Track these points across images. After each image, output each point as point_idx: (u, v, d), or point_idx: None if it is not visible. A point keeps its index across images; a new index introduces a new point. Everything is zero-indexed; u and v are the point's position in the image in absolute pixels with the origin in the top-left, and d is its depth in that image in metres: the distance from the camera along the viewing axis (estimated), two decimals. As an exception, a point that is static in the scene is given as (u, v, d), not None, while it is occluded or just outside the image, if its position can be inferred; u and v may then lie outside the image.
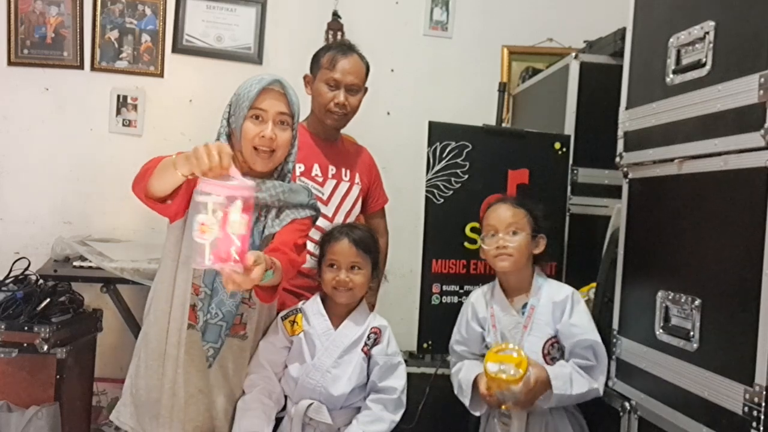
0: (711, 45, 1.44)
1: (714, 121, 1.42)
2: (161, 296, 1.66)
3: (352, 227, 1.82)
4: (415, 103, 2.98)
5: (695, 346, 1.44)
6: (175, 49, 2.94)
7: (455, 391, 1.83)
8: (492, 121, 2.78)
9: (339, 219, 2.10)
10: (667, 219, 1.59)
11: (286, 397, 1.76)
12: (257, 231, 1.63)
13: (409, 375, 1.81)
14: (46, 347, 2.26)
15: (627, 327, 1.72)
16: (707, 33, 1.45)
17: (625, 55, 1.79)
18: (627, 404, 1.67)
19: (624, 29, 1.88)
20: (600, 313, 1.85)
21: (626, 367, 1.70)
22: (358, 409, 1.74)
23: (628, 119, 1.75)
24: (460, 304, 1.98)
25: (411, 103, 3.00)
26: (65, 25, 2.88)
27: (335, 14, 2.96)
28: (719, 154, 1.40)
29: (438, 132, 2.10)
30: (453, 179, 2.10)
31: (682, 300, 1.49)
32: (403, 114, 3.01)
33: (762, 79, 1.28)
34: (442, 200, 2.09)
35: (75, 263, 2.48)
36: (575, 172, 2.29)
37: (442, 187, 2.10)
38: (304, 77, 2.17)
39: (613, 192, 2.03)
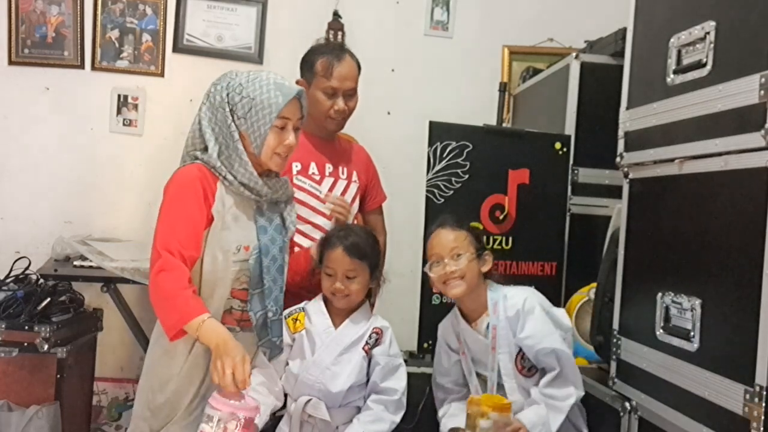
0: (711, 45, 1.44)
1: (714, 122, 1.42)
2: None
3: (349, 233, 1.79)
4: (416, 103, 2.96)
5: (695, 346, 1.44)
6: (176, 48, 2.94)
7: None
8: (492, 121, 2.78)
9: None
10: (668, 219, 1.59)
11: (286, 396, 1.76)
12: (277, 226, 1.70)
13: (409, 375, 1.81)
14: (46, 347, 2.26)
15: (627, 327, 1.72)
16: (708, 33, 1.45)
17: (626, 55, 1.79)
18: (627, 404, 1.66)
19: (624, 29, 1.88)
20: (600, 313, 1.85)
21: (626, 368, 1.70)
22: (357, 409, 1.75)
23: (629, 119, 1.75)
24: (460, 303, 1.98)
25: (411, 103, 2.99)
26: (66, 24, 2.87)
27: (336, 14, 2.95)
28: (720, 154, 1.40)
29: (438, 132, 2.10)
30: (453, 179, 2.11)
31: (683, 300, 1.49)
32: (403, 114, 3.00)
33: (762, 80, 1.28)
34: (442, 200, 2.10)
35: (75, 263, 2.47)
36: (576, 172, 2.29)
37: (442, 187, 2.10)
38: (297, 83, 2.06)
39: (614, 192, 2.03)
